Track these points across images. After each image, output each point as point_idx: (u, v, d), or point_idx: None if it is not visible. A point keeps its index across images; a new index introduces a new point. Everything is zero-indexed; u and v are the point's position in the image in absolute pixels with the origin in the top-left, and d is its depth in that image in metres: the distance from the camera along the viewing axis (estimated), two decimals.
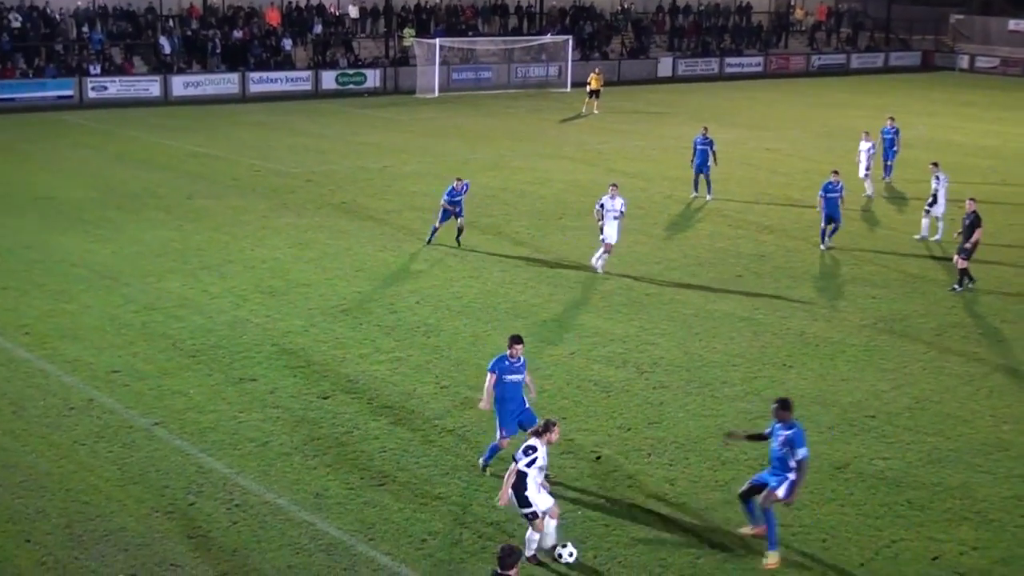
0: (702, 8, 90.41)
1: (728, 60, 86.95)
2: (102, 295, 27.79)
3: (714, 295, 28.89)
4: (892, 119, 44.85)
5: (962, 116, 66.86)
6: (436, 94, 68.46)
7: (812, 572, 16.22)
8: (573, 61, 74.79)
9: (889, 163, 44.42)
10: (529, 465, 15.88)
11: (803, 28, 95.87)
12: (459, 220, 32.94)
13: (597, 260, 30.81)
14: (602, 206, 30.27)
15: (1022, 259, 33.28)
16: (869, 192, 41.68)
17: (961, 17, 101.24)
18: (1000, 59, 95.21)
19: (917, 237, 35.58)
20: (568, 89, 71.84)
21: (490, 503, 17.74)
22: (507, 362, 18.39)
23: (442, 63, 69.88)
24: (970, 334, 26.89)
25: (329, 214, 37.21)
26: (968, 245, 29.75)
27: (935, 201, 35.26)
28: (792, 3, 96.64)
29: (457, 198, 32.70)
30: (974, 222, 29.66)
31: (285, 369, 23.30)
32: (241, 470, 18.76)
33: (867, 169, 41.85)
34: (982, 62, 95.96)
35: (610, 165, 47.00)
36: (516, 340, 18.59)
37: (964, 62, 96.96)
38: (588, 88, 63.54)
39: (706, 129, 41.08)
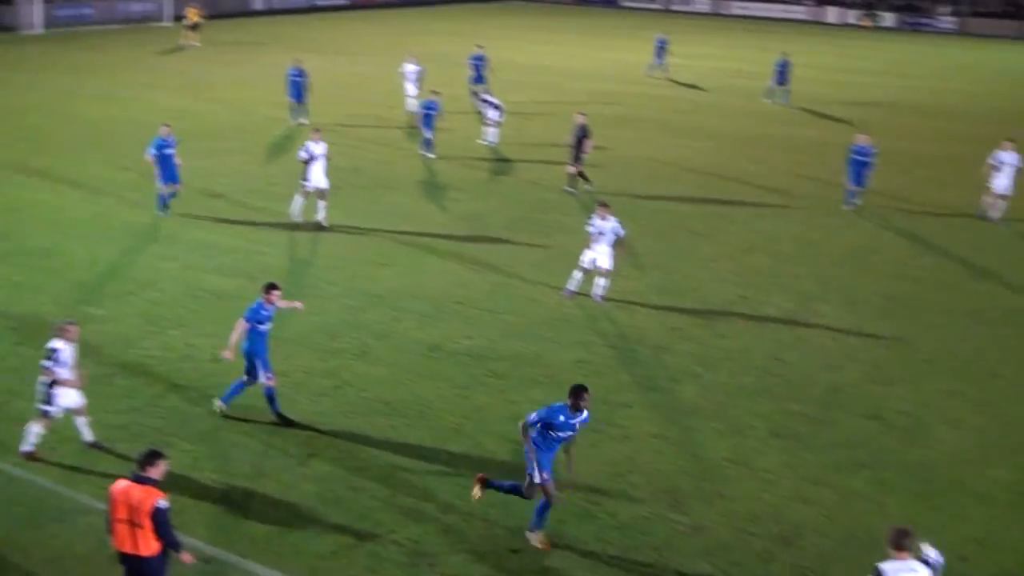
0: None
1: None
2: None
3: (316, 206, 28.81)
4: (480, 46, 45.66)
5: (525, 39, 69.04)
6: (40, 31, 64.22)
7: (411, 440, 16.63)
8: None
9: (475, 88, 44.34)
10: (53, 365, 15.43)
11: None
12: (175, 186, 27.53)
13: (297, 207, 27.39)
14: (307, 149, 27.01)
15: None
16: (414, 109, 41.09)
17: None
18: None
19: (484, 142, 36.85)
20: (169, 23, 69.07)
21: (117, 409, 17.23)
22: (264, 311, 16.90)
23: (45, 1, 65.54)
24: (534, 226, 28.09)
25: None
26: (582, 154, 30.85)
27: (497, 112, 36.73)
28: None
29: (168, 150, 27.23)
30: (584, 133, 30.76)
31: None
32: None
33: (416, 90, 41.40)
34: None
35: (212, 94, 45.74)
36: (273, 287, 17.08)
37: None
38: (186, 22, 61.54)
39: (298, 60, 40.18)
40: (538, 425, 13.89)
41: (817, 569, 13.65)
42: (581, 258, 22.92)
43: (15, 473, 15.32)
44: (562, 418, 13.83)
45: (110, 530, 11.57)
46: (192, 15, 61.12)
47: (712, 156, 37.43)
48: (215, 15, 73.81)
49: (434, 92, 35.74)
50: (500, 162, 34.96)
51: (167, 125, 28.02)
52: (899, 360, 20.29)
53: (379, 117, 41.52)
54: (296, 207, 27.51)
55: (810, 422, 17.64)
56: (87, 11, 69.68)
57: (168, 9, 70.57)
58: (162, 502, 11.37)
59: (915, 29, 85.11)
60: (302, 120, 39.54)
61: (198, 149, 35.41)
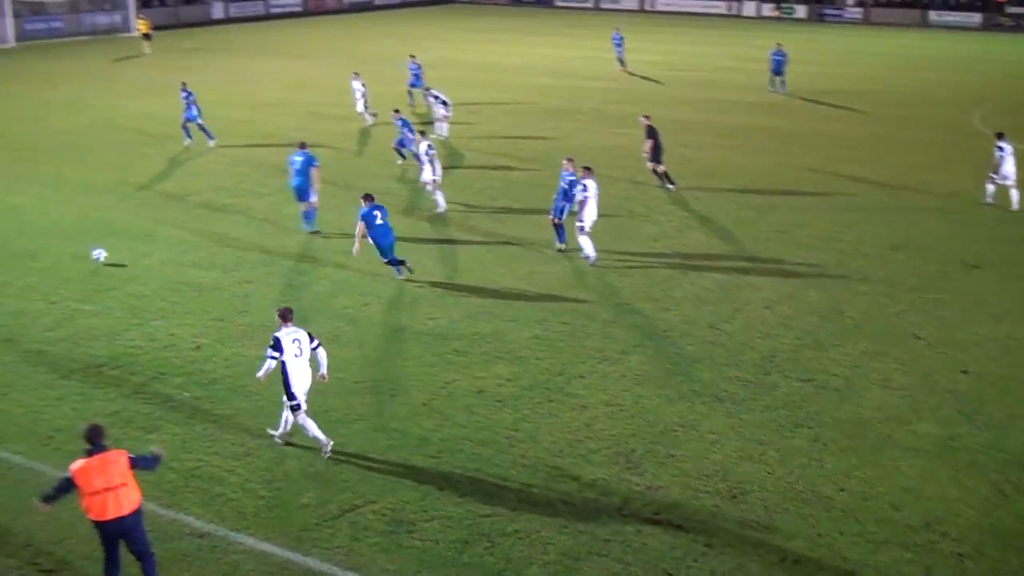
0: None
1: (271, 1, 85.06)
2: None
3: (259, 202, 28.50)
4: (413, 56, 44.73)
5: (466, 40, 68.75)
6: (11, 44, 63.10)
7: (384, 416, 16.53)
8: (135, 8, 70.79)
9: (411, 88, 43.09)
10: None
11: None
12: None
13: (443, 202, 27.83)
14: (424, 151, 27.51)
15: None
16: (369, 122, 39.68)
17: None
18: None
19: (436, 136, 36.61)
20: (133, 33, 68.05)
21: (108, 397, 17.01)
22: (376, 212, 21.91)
23: (14, 15, 64.38)
24: (486, 213, 27.94)
25: None
26: (660, 153, 30.43)
27: (445, 107, 36.44)
28: None
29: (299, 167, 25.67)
30: (651, 133, 30.40)
31: None
32: None
33: (364, 105, 39.85)
34: None
35: (173, 98, 44.95)
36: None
37: None
38: (140, 33, 61.37)
39: (185, 84, 36.61)
40: None
41: (762, 522, 13.74)
42: (589, 224, 23.68)
43: (13, 460, 15.11)
44: None
45: (50, 498, 11.88)
46: (143, 26, 61.24)
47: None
48: (177, 24, 73.28)
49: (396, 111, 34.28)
50: (453, 155, 34.74)
51: (301, 143, 26.37)
52: (829, 326, 20.44)
53: (339, 115, 41.13)
54: (443, 202, 27.78)
55: (750, 386, 17.74)
56: (57, 24, 68.57)
57: (132, 21, 69.54)
58: (129, 454, 11.92)
59: (825, 20, 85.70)
60: (188, 141, 35.94)
61: (166, 152, 35.07)
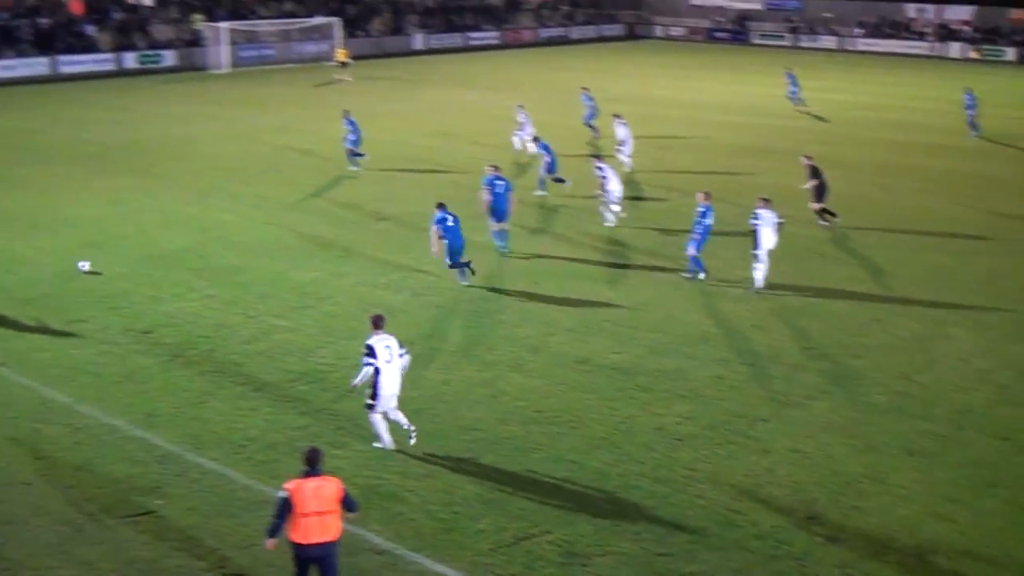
0: None
1: (470, 34, 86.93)
2: None
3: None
4: (586, 88, 44.89)
5: (659, 76, 68.61)
6: (226, 70, 66.28)
7: (562, 447, 16.53)
8: (341, 39, 73.37)
9: (591, 123, 43.30)
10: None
11: (531, 6, 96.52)
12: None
13: (610, 215, 29.78)
14: (603, 171, 29.21)
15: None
16: (519, 147, 39.72)
17: None
18: (687, 29, 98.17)
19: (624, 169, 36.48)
20: (335, 63, 70.63)
21: (297, 411, 17.55)
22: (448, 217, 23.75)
23: (230, 43, 67.66)
24: (669, 249, 27.69)
25: (140, 176, 35.72)
26: (823, 192, 29.98)
27: (623, 143, 36.34)
28: None
29: (498, 189, 26.62)
30: (815, 172, 30.15)
31: (111, 310, 22.34)
32: (80, 398, 17.94)
33: (519, 133, 39.82)
34: (674, 31, 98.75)
35: (373, 124, 46.38)
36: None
37: (659, 31, 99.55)
38: (338, 62, 64.07)
39: (347, 112, 37.58)
40: None
41: None
42: (761, 253, 24.07)
43: (209, 466, 15.72)
44: None
45: (277, 529, 11.81)
46: (341, 55, 63.74)
47: (841, 184, 36.41)
48: (380, 54, 75.58)
49: (536, 138, 35.12)
50: (637, 187, 34.58)
51: (493, 166, 27.34)
52: None
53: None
54: (610, 215, 29.67)
55: (942, 441, 16.99)
56: (268, 52, 71.76)
57: (337, 50, 72.10)
58: (343, 485, 12.00)
59: None
60: (353, 168, 36.73)
61: (361, 177, 36.09)
